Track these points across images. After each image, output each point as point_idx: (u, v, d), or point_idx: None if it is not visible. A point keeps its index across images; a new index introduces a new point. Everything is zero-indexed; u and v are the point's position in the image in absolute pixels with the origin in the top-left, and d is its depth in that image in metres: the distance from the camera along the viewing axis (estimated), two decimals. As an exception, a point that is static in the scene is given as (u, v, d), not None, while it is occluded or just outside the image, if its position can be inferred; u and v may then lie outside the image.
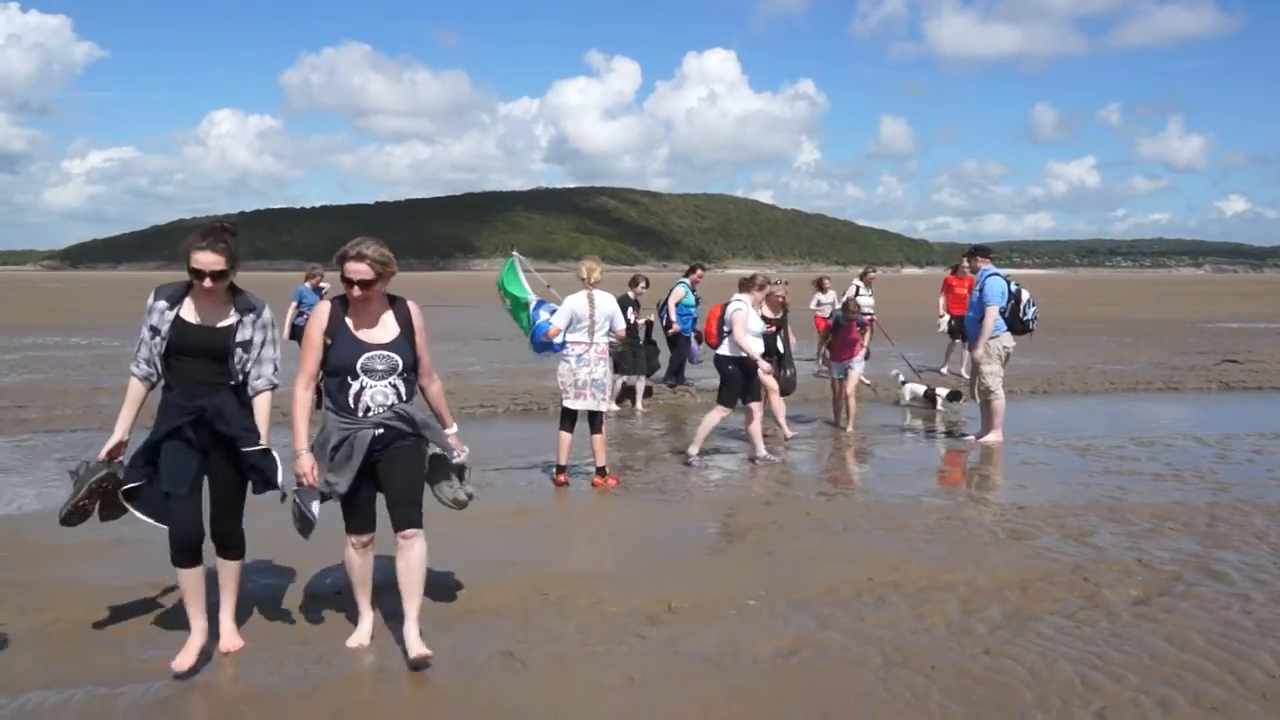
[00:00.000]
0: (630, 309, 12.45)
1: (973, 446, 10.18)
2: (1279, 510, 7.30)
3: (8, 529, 6.74)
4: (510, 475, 8.53)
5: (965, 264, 12.70)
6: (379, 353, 4.44)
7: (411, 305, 4.62)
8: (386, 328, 4.51)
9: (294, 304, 12.80)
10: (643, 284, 13.32)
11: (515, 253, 8.78)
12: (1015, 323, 10.14)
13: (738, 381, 9.07)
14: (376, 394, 4.44)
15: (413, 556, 4.49)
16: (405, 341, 4.51)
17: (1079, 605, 5.25)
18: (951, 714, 3.97)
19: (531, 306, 8.33)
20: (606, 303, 8.01)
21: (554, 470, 8.22)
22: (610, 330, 8.02)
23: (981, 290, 10.20)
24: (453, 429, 4.82)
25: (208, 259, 4.29)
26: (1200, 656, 4.54)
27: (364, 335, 4.46)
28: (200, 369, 4.35)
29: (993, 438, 10.18)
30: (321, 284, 13.19)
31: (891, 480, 8.55)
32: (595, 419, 8.07)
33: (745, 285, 9.49)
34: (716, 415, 9.23)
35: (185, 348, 4.33)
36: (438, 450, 4.70)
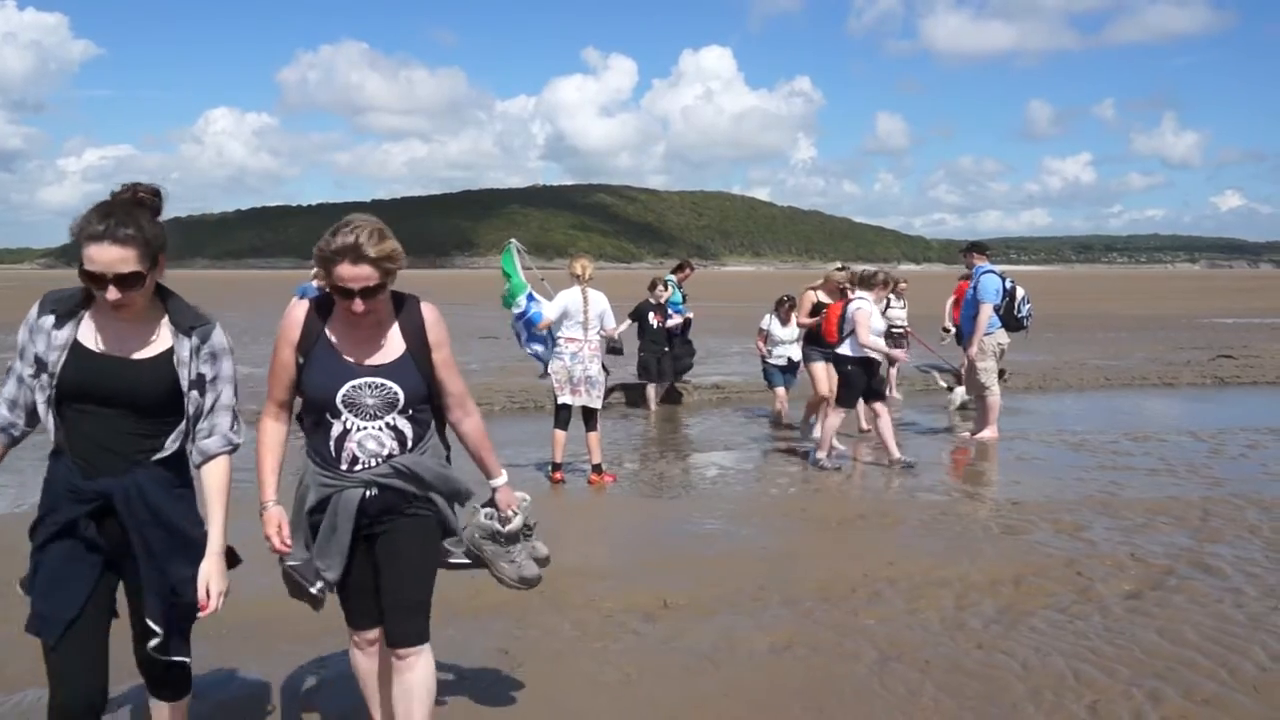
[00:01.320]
0: (652, 312, 12.40)
1: (968, 442, 10.21)
2: (1271, 505, 7.34)
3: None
4: (507, 473, 8.52)
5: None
6: (370, 380, 3.06)
7: (426, 309, 3.19)
8: (385, 343, 3.11)
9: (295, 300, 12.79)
10: (662, 286, 12.91)
11: (514, 241, 8.76)
12: (1010, 320, 10.18)
13: (860, 382, 8.77)
14: (367, 440, 3.06)
15: (413, 680, 3.15)
16: (413, 363, 3.10)
17: (1072, 599, 5.28)
18: (945, 708, 4.00)
19: (523, 301, 8.32)
20: (599, 300, 8.03)
21: (550, 468, 8.24)
22: (601, 329, 8.04)
23: (976, 287, 10.23)
24: (501, 479, 3.53)
25: (108, 255, 2.61)
26: (1192, 650, 4.57)
27: (350, 353, 3.07)
28: (109, 428, 2.74)
29: (988, 433, 10.22)
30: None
31: (887, 476, 8.58)
32: (591, 416, 8.08)
33: (867, 282, 9.09)
34: (836, 418, 8.94)
35: (85, 392, 2.71)
36: (472, 522, 3.46)
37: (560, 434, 8.15)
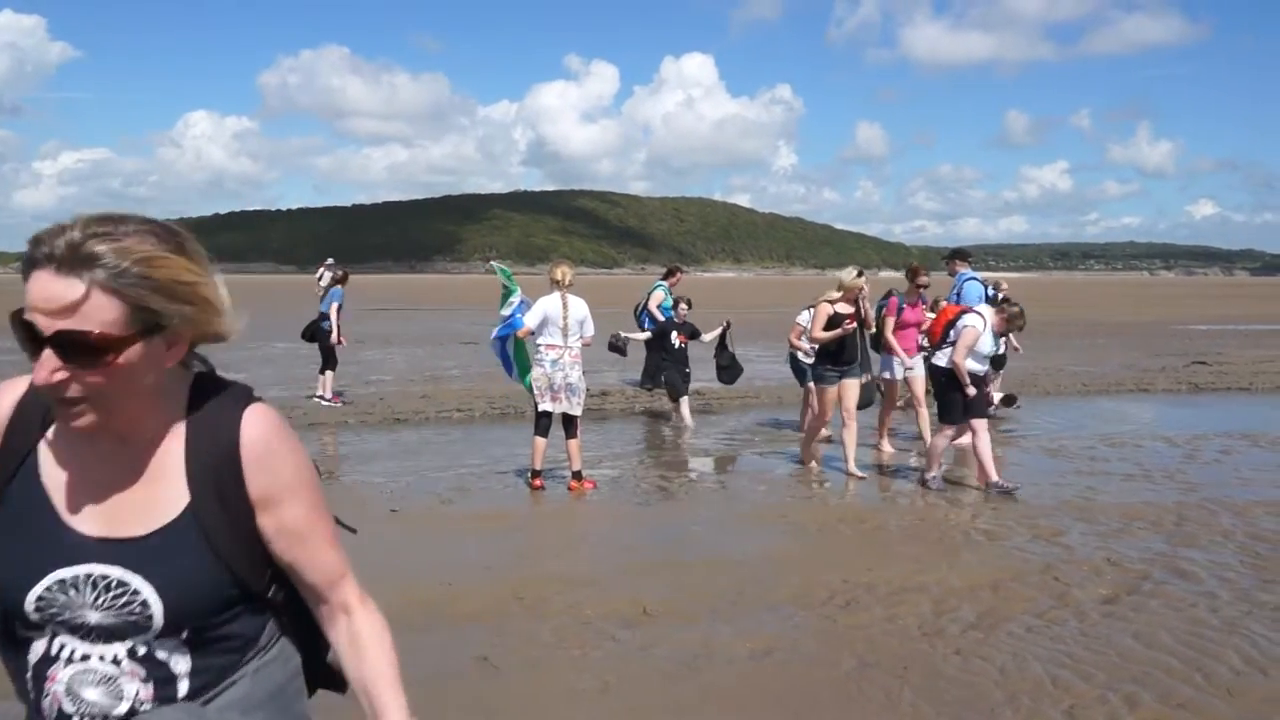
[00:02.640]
0: (676, 332, 12.10)
1: (951, 448, 10.24)
2: (1245, 509, 7.41)
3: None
4: (487, 479, 8.53)
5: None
6: (93, 571, 1.42)
7: (254, 420, 1.52)
8: (146, 488, 1.47)
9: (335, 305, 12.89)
10: (685, 305, 12.43)
11: (493, 263, 8.86)
12: None
13: (959, 395, 8.09)
14: (82, 682, 1.43)
15: None
16: (198, 537, 1.46)
17: (1049, 604, 5.31)
18: (923, 714, 4.01)
19: (514, 304, 8.31)
20: (579, 307, 8.01)
21: (530, 474, 8.22)
22: (582, 336, 8.02)
23: (959, 294, 10.31)
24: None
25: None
26: (1167, 654, 4.61)
27: (70, 506, 1.46)
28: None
29: (966, 440, 10.25)
30: (321, 282, 13.17)
31: (866, 482, 8.61)
32: (570, 423, 8.07)
33: (997, 305, 8.54)
34: (943, 439, 8.37)
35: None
36: None
37: (540, 441, 8.13)
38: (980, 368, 8.18)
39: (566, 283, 7.99)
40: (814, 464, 9.20)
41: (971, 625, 5.01)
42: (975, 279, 10.39)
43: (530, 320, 7.92)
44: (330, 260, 14.33)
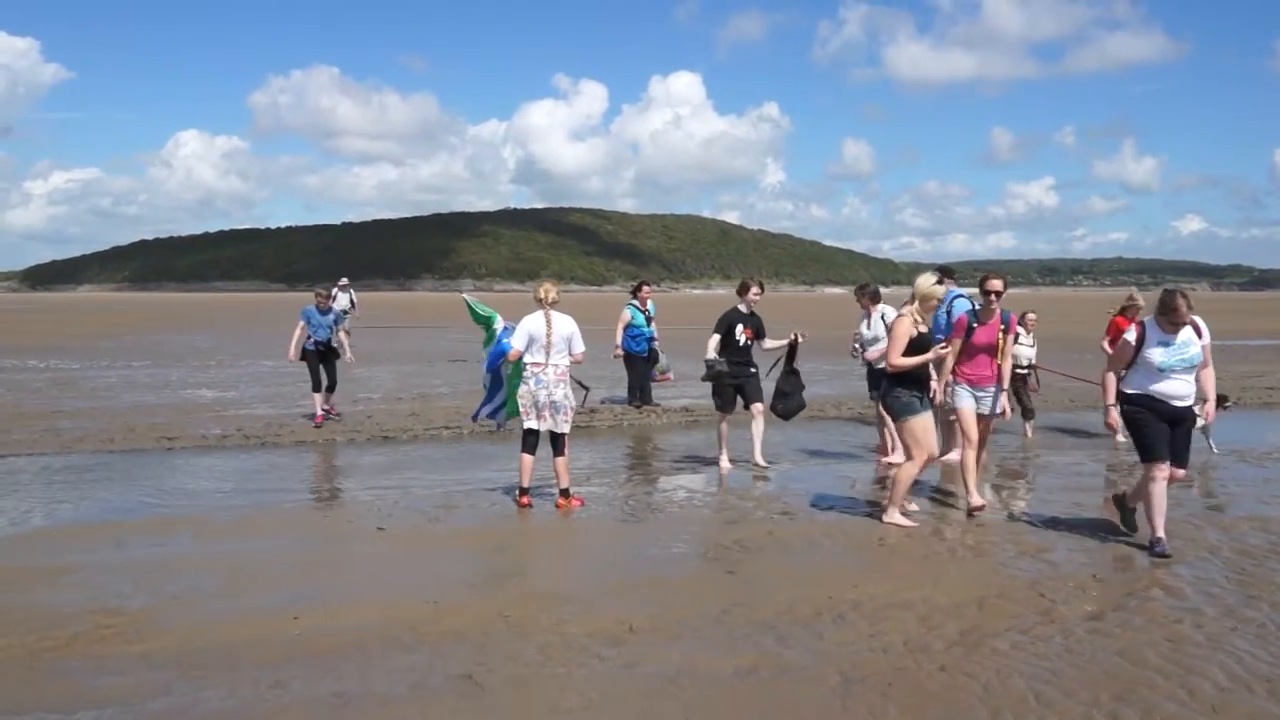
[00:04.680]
0: (742, 324, 9.88)
1: (936, 464, 10.25)
2: (1230, 525, 7.44)
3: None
4: (474, 497, 8.51)
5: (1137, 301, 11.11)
6: None
7: None
8: None
9: (301, 324, 12.66)
10: (757, 288, 10.22)
11: (465, 295, 8.96)
12: None
13: (1158, 430, 6.61)
14: None
15: None
16: None
17: (1035, 621, 5.32)
18: (907, 731, 4.01)
19: (498, 330, 8.35)
20: (564, 324, 8.01)
21: (518, 492, 8.20)
22: (569, 353, 8.01)
23: (948, 312, 10.34)
24: None
25: None
26: (1152, 671, 4.62)
27: None
28: None
29: (954, 455, 10.28)
30: (331, 302, 13.08)
31: (854, 499, 8.61)
32: (558, 441, 8.05)
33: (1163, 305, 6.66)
34: (1158, 487, 6.65)
35: None
36: None
37: (527, 458, 8.12)
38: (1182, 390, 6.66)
39: (550, 300, 8.00)
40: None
41: (956, 642, 5.01)
42: (963, 296, 10.41)
43: (517, 342, 7.93)
44: (344, 280, 14.19)
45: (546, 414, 7.93)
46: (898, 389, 7.45)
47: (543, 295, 8.02)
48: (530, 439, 8.07)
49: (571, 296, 8.46)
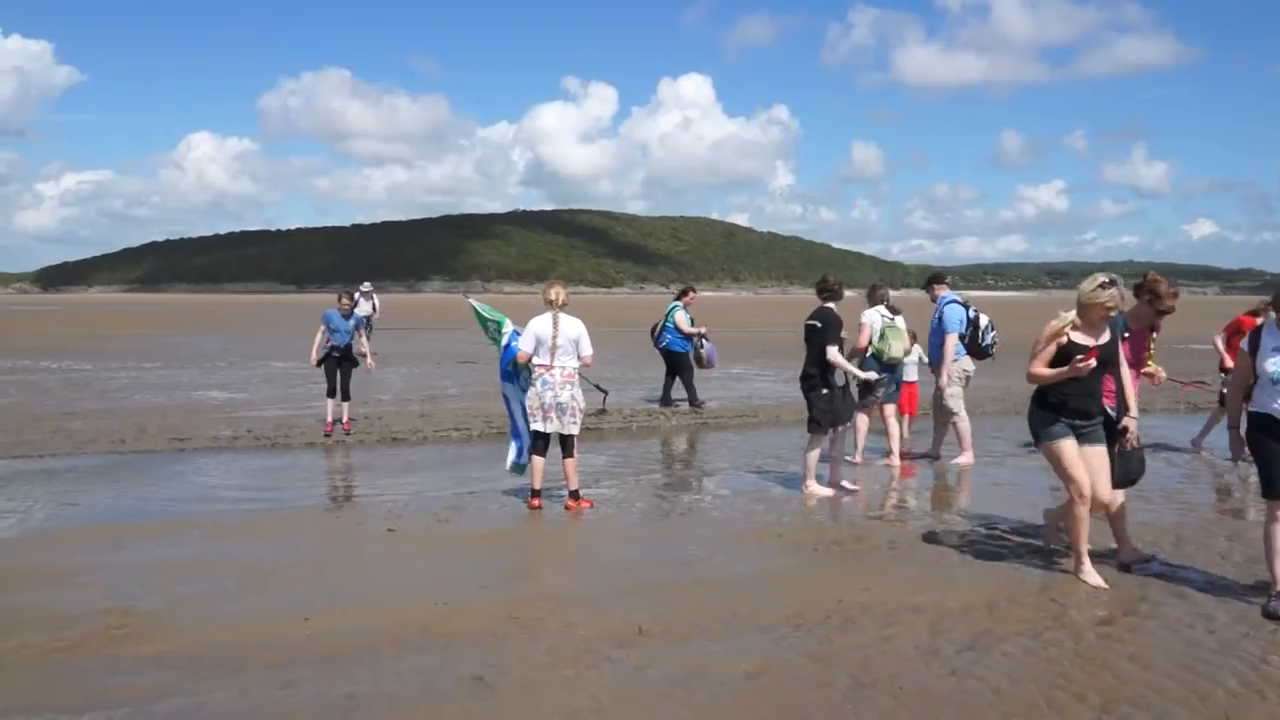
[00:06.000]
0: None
1: (947, 468, 10.25)
2: (1242, 531, 7.40)
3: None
4: (484, 498, 8.52)
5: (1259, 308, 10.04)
6: None
7: None
8: None
9: (322, 328, 12.35)
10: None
11: (470, 299, 9.01)
12: (975, 348, 10.33)
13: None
14: None
15: None
16: None
17: (1045, 625, 5.30)
18: (918, 735, 4.00)
19: (507, 334, 8.37)
20: (572, 326, 8.00)
21: (528, 494, 8.21)
22: (578, 355, 8.01)
23: (941, 318, 10.36)
24: None
25: None
26: (1163, 676, 4.60)
27: None
28: None
29: (964, 459, 10.28)
30: (355, 308, 12.94)
31: (863, 503, 8.60)
32: (567, 443, 8.06)
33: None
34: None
35: None
36: None
37: (538, 460, 8.13)
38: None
39: (560, 302, 8.02)
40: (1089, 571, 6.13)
41: (967, 646, 4.99)
42: (957, 301, 10.42)
43: (524, 344, 7.95)
44: (367, 286, 14.21)
45: (553, 415, 7.94)
46: (1051, 413, 6.23)
47: (552, 297, 8.03)
48: (539, 441, 8.09)
49: (581, 298, 8.44)
